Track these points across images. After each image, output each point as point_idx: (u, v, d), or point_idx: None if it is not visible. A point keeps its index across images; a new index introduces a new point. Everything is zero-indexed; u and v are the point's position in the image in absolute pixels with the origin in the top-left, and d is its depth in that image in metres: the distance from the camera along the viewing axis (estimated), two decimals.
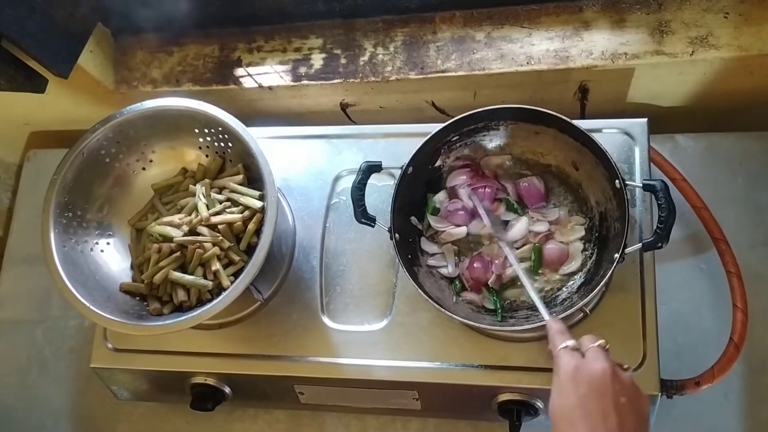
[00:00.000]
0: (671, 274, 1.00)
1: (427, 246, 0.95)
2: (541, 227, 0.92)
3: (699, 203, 0.98)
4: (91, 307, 0.86)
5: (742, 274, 0.93)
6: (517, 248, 0.92)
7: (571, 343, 0.71)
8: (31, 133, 1.35)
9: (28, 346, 1.19)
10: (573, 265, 0.90)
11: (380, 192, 0.99)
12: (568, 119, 0.87)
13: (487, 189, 0.94)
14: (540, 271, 0.91)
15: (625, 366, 0.71)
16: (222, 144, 0.98)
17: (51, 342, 1.19)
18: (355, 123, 1.20)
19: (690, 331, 0.98)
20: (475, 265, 0.92)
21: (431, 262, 0.94)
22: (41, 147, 1.34)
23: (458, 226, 0.94)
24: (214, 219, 0.92)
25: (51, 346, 1.19)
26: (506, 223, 0.93)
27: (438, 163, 0.96)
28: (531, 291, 0.82)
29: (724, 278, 0.94)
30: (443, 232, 0.94)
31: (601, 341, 0.71)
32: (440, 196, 0.96)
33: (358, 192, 0.90)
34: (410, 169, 0.90)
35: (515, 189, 0.95)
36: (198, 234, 0.91)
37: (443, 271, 0.94)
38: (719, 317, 0.95)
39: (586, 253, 0.91)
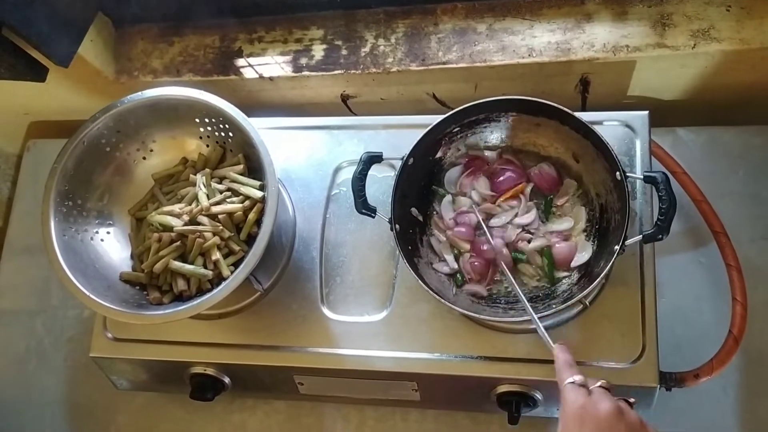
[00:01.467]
0: (671, 267, 1.00)
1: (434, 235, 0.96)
2: (561, 226, 0.92)
3: (699, 196, 0.98)
4: (91, 295, 0.86)
5: (741, 268, 0.93)
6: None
7: (578, 378, 0.70)
8: (31, 123, 1.35)
9: (27, 336, 1.20)
10: (584, 256, 0.89)
11: (381, 183, 0.99)
12: (569, 111, 0.87)
13: (509, 174, 0.94)
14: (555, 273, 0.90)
15: (631, 400, 0.70)
16: (223, 134, 0.98)
17: (50, 332, 1.19)
18: (355, 114, 1.20)
19: (689, 324, 0.98)
20: (475, 263, 0.92)
21: (433, 260, 0.94)
22: (41, 137, 1.34)
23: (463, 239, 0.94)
24: (215, 209, 0.92)
25: (50, 336, 1.19)
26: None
27: (439, 155, 0.96)
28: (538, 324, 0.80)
29: (723, 271, 0.94)
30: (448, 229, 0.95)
31: (602, 381, 0.70)
32: (448, 197, 0.96)
33: (359, 183, 0.89)
34: (411, 160, 0.90)
35: (528, 179, 0.95)
36: (198, 224, 0.91)
37: (444, 269, 0.93)
38: (719, 310, 0.95)
39: (591, 241, 0.90)
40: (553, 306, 0.82)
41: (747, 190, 1.04)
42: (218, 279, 0.90)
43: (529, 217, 0.93)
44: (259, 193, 0.92)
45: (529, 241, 0.91)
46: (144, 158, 1.01)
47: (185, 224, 0.92)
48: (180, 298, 0.91)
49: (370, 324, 0.93)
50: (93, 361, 1.00)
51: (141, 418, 1.11)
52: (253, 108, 1.07)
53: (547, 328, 0.87)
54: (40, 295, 1.21)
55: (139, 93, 0.95)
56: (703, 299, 0.99)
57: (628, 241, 0.81)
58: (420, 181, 0.96)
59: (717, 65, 1.01)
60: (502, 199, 0.94)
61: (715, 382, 0.91)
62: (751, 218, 1.02)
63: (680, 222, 1.02)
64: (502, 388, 0.89)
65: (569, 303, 0.82)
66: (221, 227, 0.91)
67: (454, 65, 1.04)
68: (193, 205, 0.93)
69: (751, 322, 0.90)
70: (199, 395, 0.97)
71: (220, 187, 0.95)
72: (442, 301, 0.83)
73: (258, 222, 0.91)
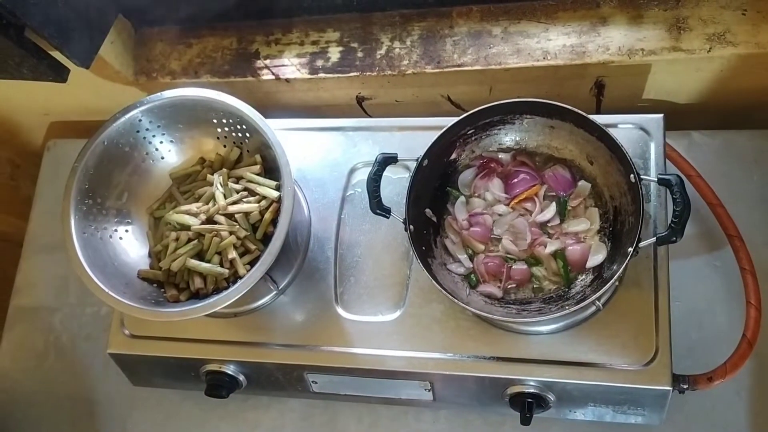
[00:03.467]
0: (685, 270, 1.00)
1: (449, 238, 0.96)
2: (578, 227, 0.92)
3: (714, 200, 0.98)
4: (110, 292, 0.87)
5: (756, 271, 0.93)
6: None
7: None
8: (51, 122, 1.37)
9: (45, 332, 1.21)
10: (598, 257, 0.89)
11: (395, 184, 0.99)
12: (583, 113, 0.87)
13: (523, 176, 0.95)
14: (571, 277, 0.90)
15: None
16: (240, 134, 0.99)
17: (68, 328, 1.21)
18: (371, 116, 1.21)
19: (703, 327, 0.98)
20: (489, 263, 0.93)
21: (448, 262, 0.95)
22: (61, 137, 1.35)
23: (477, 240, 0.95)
24: (231, 208, 0.93)
25: (68, 333, 1.21)
26: None
27: (453, 156, 0.97)
28: None
29: (738, 275, 0.94)
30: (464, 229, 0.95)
31: None
32: (462, 198, 0.97)
33: (374, 183, 0.90)
34: (425, 161, 0.91)
35: (542, 181, 0.95)
36: (215, 223, 0.93)
37: (458, 269, 0.94)
38: (733, 314, 0.95)
39: (605, 243, 0.91)
40: (566, 307, 0.83)
41: (762, 193, 1.03)
42: (234, 277, 0.91)
43: (549, 212, 0.93)
44: (275, 193, 0.93)
45: (545, 246, 0.91)
46: (162, 158, 1.02)
47: (202, 223, 0.93)
48: (197, 296, 0.93)
49: (383, 323, 0.94)
50: (110, 357, 1.01)
51: (156, 414, 1.12)
52: (269, 109, 1.09)
53: (560, 330, 0.88)
54: (58, 292, 1.23)
55: (158, 94, 0.97)
56: (717, 302, 0.99)
57: (642, 244, 0.81)
58: (434, 183, 0.96)
59: (732, 69, 1.01)
60: (516, 201, 0.94)
61: (729, 386, 0.90)
62: (766, 221, 1.02)
63: (694, 225, 1.02)
64: (515, 389, 0.89)
65: (582, 305, 0.82)
66: (238, 226, 0.92)
67: (469, 68, 1.05)
68: (210, 204, 0.94)
69: (765, 325, 0.90)
70: (214, 392, 0.98)
71: (237, 186, 0.96)
72: (456, 301, 0.84)
73: (274, 222, 0.92)
